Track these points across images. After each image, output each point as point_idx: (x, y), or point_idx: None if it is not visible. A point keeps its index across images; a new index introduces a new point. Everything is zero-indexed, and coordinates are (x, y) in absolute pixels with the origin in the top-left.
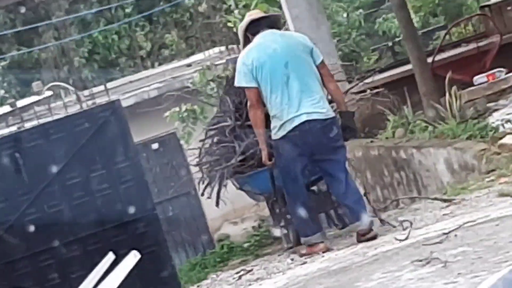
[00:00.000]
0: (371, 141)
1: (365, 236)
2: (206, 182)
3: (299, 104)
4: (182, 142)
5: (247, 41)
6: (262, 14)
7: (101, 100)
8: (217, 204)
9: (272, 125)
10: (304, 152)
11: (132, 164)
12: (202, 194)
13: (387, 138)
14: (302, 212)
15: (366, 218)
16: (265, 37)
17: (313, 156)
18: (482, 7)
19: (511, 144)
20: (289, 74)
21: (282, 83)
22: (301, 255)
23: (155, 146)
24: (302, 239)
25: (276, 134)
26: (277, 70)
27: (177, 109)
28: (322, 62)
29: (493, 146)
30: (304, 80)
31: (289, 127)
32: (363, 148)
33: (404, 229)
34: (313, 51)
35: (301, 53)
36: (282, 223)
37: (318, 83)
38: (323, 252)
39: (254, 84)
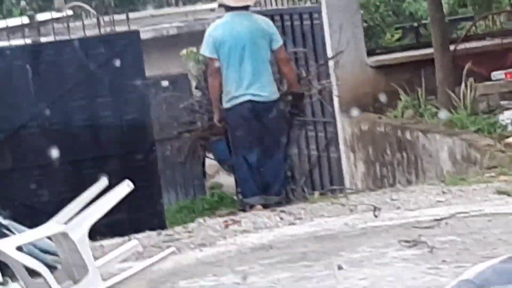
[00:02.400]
0: (379, 117)
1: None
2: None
3: (248, 85)
4: (194, 83)
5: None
6: (239, 2)
7: (121, 28)
8: (203, 174)
9: (223, 94)
10: (246, 125)
11: (139, 97)
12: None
13: (395, 116)
14: (243, 175)
15: (262, 198)
16: (234, 18)
17: (254, 131)
18: None
19: None
20: (244, 56)
21: (237, 62)
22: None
23: (165, 83)
24: (243, 200)
25: (226, 103)
26: (235, 51)
27: (194, 49)
28: (280, 47)
29: (499, 143)
30: (256, 64)
31: (235, 101)
32: (370, 122)
33: (375, 212)
34: (272, 37)
35: (259, 39)
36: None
37: (268, 68)
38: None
39: (215, 55)
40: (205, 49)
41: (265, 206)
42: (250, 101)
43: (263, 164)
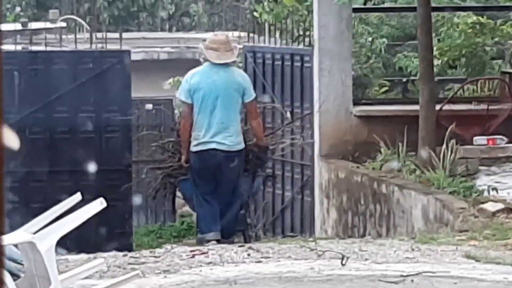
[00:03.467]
0: (357, 167)
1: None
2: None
3: (216, 133)
4: (176, 111)
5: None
6: (220, 60)
7: (112, 46)
8: (173, 209)
9: (192, 138)
10: (208, 171)
11: (123, 116)
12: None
13: (373, 168)
14: (201, 213)
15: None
16: (212, 67)
17: (215, 176)
18: (503, 73)
19: (490, 211)
20: (216, 106)
21: (209, 110)
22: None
23: (149, 106)
24: (199, 235)
25: (192, 147)
26: (208, 99)
27: (181, 78)
28: (251, 101)
29: (473, 208)
30: (226, 114)
31: (201, 147)
32: (347, 171)
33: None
34: (245, 91)
35: (233, 91)
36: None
37: (237, 119)
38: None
39: (189, 101)
40: (181, 94)
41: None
42: (214, 149)
43: (220, 209)
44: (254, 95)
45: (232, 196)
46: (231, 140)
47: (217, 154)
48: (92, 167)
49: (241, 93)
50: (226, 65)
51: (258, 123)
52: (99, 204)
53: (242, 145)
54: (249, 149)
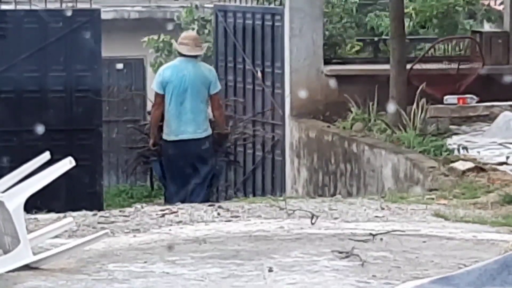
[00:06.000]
0: (328, 126)
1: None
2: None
3: (186, 122)
4: (150, 70)
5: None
6: (190, 52)
7: (83, 5)
8: (152, 187)
9: (163, 126)
10: (178, 157)
11: (92, 76)
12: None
13: (344, 128)
14: (169, 190)
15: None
16: (182, 62)
17: (185, 161)
18: (474, 32)
19: (460, 170)
20: (185, 97)
21: (178, 101)
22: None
23: (119, 66)
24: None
25: (164, 135)
26: (178, 91)
27: (155, 36)
28: (215, 93)
29: (442, 167)
30: (195, 104)
31: (172, 136)
32: (318, 131)
33: (312, 219)
34: (211, 84)
35: (200, 84)
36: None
37: (205, 108)
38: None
39: (161, 92)
40: (155, 85)
41: None
42: (184, 138)
43: (188, 188)
44: (219, 87)
45: (201, 178)
46: (200, 128)
47: (186, 142)
48: (62, 126)
49: (207, 86)
50: (195, 60)
51: (220, 113)
52: (68, 163)
53: (209, 132)
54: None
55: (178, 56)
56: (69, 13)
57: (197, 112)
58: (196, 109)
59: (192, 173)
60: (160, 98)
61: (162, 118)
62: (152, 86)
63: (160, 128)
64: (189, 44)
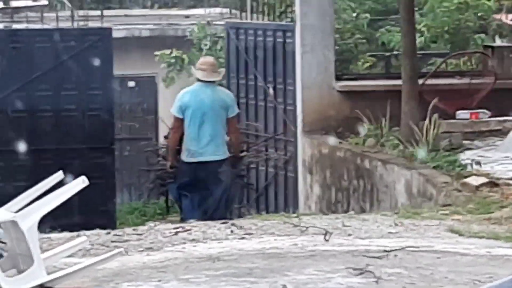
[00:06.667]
0: (340, 142)
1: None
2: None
3: (205, 145)
4: (162, 85)
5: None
6: (207, 78)
7: (94, 24)
8: (167, 209)
9: (183, 149)
10: (196, 178)
11: (105, 94)
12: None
13: (356, 143)
14: (186, 207)
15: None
16: (201, 87)
17: (203, 182)
18: (485, 47)
19: (473, 185)
20: (204, 121)
21: (197, 125)
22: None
23: (131, 84)
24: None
25: (183, 157)
26: (196, 115)
27: (167, 51)
28: (234, 116)
29: (456, 182)
30: (213, 128)
31: (191, 158)
32: (330, 147)
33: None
34: (229, 108)
35: (219, 108)
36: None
37: (223, 132)
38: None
39: (180, 116)
40: (174, 109)
41: None
42: (202, 160)
43: (203, 209)
44: (236, 111)
45: (216, 199)
46: (219, 150)
47: (205, 164)
48: (75, 145)
49: (226, 110)
50: (213, 84)
51: (236, 137)
52: (81, 182)
53: (226, 154)
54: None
55: (196, 81)
56: (81, 32)
57: (215, 135)
58: (214, 132)
59: (208, 194)
60: (179, 122)
61: (180, 141)
62: (171, 110)
63: (178, 151)
64: (207, 69)
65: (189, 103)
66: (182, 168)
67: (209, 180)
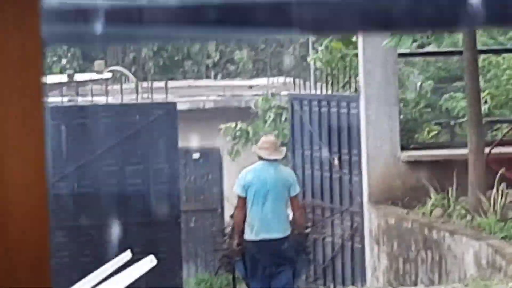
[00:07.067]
0: (407, 213)
1: None
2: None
3: (267, 223)
4: (228, 157)
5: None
6: (271, 156)
7: (158, 96)
8: (233, 285)
9: (245, 227)
10: (261, 256)
11: (170, 168)
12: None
13: (423, 214)
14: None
15: None
16: (263, 166)
17: (268, 260)
18: None
19: None
20: (266, 199)
21: (260, 203)
22: None
23: (196, 155)
24: None
25: (247, 235)
26: (259, 194)
27: (233, 124)
28: (296, 195)
29: None
30: (275, 206)
31: (254, 236)
32: (397, 217)
33: None
34: (291, 187)
35: (281, 187)
36: None
37: (285, 210)
38: None
39: (243, 195)
40: (237, 188)
41: None
42: (266, 238)
43: (272, 285)
44: (298, 190)
45: (282, 278)
46: (281, 228)
47: (268, 242)
48: (141, 220)
49: (288, 188)
50: (275, 163)
51: (300, 214)
52: (149, 262)
53: (289, 232)
54: (293, 235)
55: (259, 160)
56: (146, 107)
57: (277, 213)
58: (277, 210)
59: (274, 272)
60: (242, 201)
61: (244, 219)
62: (234, 189)
63: (243, 229)
64: (269, 148)
65: (252, 182)
66: (246, 246)
67: (274, 258)
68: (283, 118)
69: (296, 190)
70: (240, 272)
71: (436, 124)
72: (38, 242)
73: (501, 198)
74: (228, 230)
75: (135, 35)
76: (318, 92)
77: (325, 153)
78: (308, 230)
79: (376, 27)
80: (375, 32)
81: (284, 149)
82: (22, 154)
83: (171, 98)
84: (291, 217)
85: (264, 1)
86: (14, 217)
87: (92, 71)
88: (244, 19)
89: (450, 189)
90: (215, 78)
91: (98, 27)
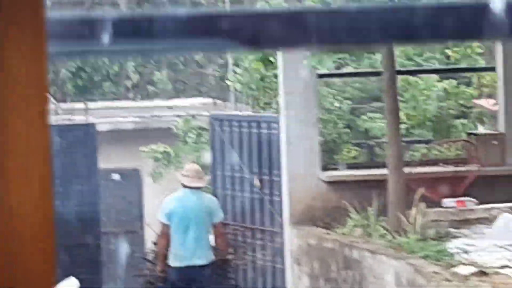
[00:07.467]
0: (328, 233)
1: None
2: None
3: (191, 250)
4: (147, 179)
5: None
6: (193, 184)
7: (77, 117)
8: None
9: (169, 253)
10: (184, 282)
11: (90, 189)
12: None
13: (344, 234)
14: None
15: None
16: (186, 193)
17: (190, 285)
18: (469, 134)
19: (462, 275)
20: (189, 227)
21: (183, 230)
22: None
23: (116, 176)
24: None
25: (170, 262)
26: (182, 221)
27: (153, 146)
28: (219, 222)
29: (445, 272)
30: (198, 233)
31: (178, 263)
32: (318, 237)
33: None
34: (214, 214)
35: (204, 214)
36: None
37: (208, 237)
38: None
39: (166, 222)
40: (160, 215)
41: None
42: (189, 265)
43: None
44: (221, 217)
45: None
46: (204, 255)
47: (191, 268)
48: (60, 241)
49: (211, 216)
50: (198, 191)
51: (221, 240)
52: (71, 284)
53: (212, 258)
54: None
55: (182, 187)
56: (65, 129)
57: (200, 240)
58: (199, 237)
59: None
60: (166, 228)
61: (167, 246)
62: (158, 216)
63: (166, 256)
64: (192, 176)
65: (175, 209)
66: (170, 272)
67: (197, 284)
68: (203, 139)
69: (219, 217)
70: None
71: (355, 144)
72: (44, 261)
73: (421, 218)
74: (151, 256)
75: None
76: (239, 112)
77: (246, 174)
78: (230, 256)
79: (396, 39)
80: (395, 44)
81: (207, 177)
82: (26, 172)
83: (90, 119)
84: (213, 243)
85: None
86: (20, 236)
87: None
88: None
89: (370, 209)
90: (135, 99)
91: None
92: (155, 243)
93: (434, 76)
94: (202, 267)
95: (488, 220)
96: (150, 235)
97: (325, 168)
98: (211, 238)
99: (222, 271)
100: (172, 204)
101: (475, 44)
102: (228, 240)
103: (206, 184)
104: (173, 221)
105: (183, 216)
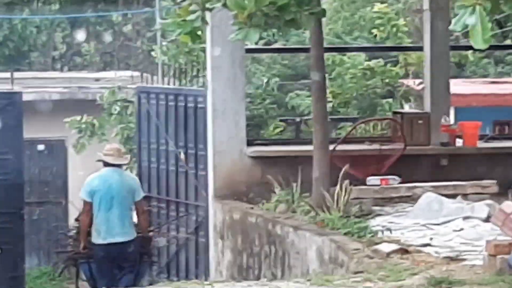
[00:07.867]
0: (252, 208)
1: None
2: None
3: (113, 227)
4: (72, 151)
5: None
6: (116, 161)
7: (3, 87)
8: (76, 286)
9: (92, 231)
10: (106, 259)
11: (15, 159)
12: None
13: (267, 209)
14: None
15: None
16: (108, 172)
17: (114, 262)
18: (395, 113)
19: (384, 252)
20: (112, 205)
21: (106, 208)
22: None
23: (41, 147)
24: None
25: (93, 239)
26: (105, 199)
27: (78, 117)
28: (140, 200)
29: (367, 249)
30: (121, 211)
31: (101, 240)
32: (242, 212)
33: None
34: (135, 192)
35: (126, 192)
36: None
37: (130, 214)
38: None
39: (89, 200)
40: (83, 194)
41: None
42: (112, 242)
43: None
44: (142, 195)
45: (127, 278)
46: (127, 232)
47: (114, 245)
48: None
49: (132, 194)
50: (120, 170)
51: (144, 218)
52: None
53: (134, 236)
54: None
55: (104, 166)
56: None
57: (123, 218)
58: (122, 215)
59: (119, 273)
60: (88, 206)
61: (90, 224)
62: (80, 195)
63: (88, 233)
64: (114, 154)
65: (97, 188)
66: (94, 249)
67: (119, 261)
68: (129, 112)
69: (140, 195)
70: (85, 274)
71: (281, 120)
72: None
73: (344, 195)
74: (73, 233)
75: None
76: (166, 86)
77: (171, 147)
78: (151, 234)
79: None
80: None
81: (128, 156)
82: None
83: (17, 88)
84: (136, 220)
85: None
86: None
87: None
88: None
89: (294, 185)
90: (62, 70)
91: None
92: (77, 220)
93: (362, 55)
94: (124, 243)
95: (411, 199)
96: (74, 208)
97: (251, 143)
98: (134, 216)
99: (143, 247)
100: (94, 182)
101: (401, 22)
102: (149, 217)
103: (127, 162)
104: (96, 199)
105: (105, 194)
